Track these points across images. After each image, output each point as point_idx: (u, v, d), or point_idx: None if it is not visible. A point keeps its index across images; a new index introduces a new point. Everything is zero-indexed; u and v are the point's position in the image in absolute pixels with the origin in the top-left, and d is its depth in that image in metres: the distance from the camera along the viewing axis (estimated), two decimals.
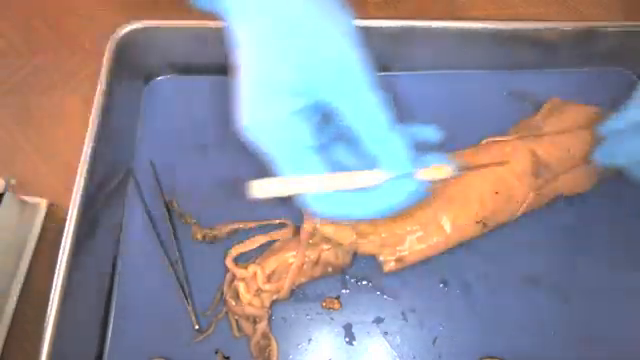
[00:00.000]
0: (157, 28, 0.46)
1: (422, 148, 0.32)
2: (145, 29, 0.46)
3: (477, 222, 0.39)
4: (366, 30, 0.47)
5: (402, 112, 0.48)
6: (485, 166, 0.39)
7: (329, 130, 0.33)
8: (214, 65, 0.49)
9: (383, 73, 0.50)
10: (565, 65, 0.51)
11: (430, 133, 0.33)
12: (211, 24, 0.46)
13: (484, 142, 0.43)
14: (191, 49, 0.48)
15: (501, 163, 0.39)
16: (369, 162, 0.30)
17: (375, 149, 0.29)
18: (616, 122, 0.38)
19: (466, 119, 0.48)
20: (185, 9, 0.52)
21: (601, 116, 0.43)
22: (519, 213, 0.40)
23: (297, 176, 0.30)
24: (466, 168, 0.34)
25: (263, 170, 0.45)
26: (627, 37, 0.49)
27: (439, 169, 0.31)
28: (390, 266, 0.39)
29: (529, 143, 0.41)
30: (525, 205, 0.40)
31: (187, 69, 0.50)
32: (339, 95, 0.29)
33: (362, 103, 0.29)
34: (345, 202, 0.29)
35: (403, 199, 0.30)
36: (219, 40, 0.47)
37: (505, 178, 0.40)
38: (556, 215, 0.42)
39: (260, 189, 0.30)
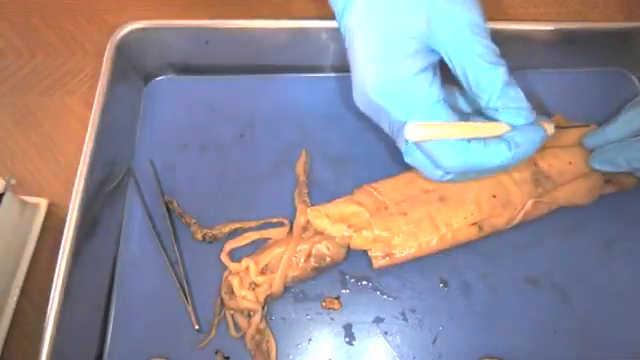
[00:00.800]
0: (157, 28, 0.46)
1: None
2: (145, 29, 0.46)
3: (472, 224, 0.39)
4: None
5: None
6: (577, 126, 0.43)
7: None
8: (214, 65, 0.49)
9: None
10: (565, 65, 0.51)
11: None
12: (211, 24, 0.46)
13: None
14: (191, 49, 0.48)
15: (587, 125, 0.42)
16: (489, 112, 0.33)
17: (497, 103, 0.31)
18: (607, 134, 0.40)
19: (466, 119, 0.48)
20: (185, 9, 0.52)
21: None
22: (516, 221, 0.40)
23: (444, 122, 0.32)
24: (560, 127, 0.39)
25: (263, 170, 0.46)
26: (627, 38, 0.49)
27: (548, 124, 0.34)
28: (380, 262, 0.39)
29: None
30: (523, 212, 0.40)
31: (187, 69, 0.50)
32: (463, 53, 0.31)
33: (484, 61, 0.31)
34: (478, 153, 0.32)
35: (530, 148, 0.32)
36: (219, 40, 0.48)
37: (504, 183, 0.40)
38: (556, 215, 0.42)
39: (415, 132, 0.32)
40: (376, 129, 0.47)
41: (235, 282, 0.38)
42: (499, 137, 0.33)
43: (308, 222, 0.40)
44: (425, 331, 0.40)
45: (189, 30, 0.47)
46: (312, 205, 0.42)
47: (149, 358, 0.38)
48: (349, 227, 0.39)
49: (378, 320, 0.40)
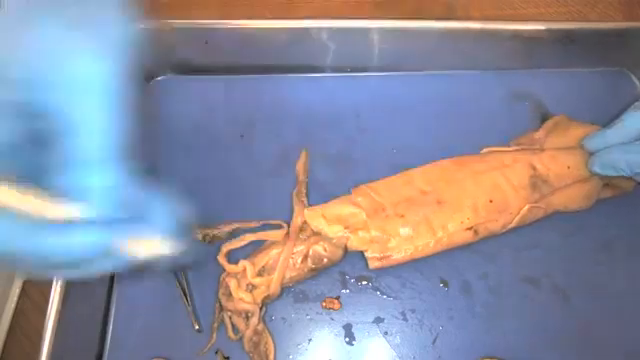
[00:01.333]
0: (158, 28, 0.46)
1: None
2: (146, 29, 0.46)
3: (468, 229, 0.39)
4: (362, 31, 0.47)
5: (401, 113, 0.49)
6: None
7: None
8: (215, 65, 0.49)
9: (383, 73, 0.50)
10: (565, 66, 0.51)
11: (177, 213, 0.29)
12: (212, 24, 0.46)
13: (484, 151, 0.44)
14: (192, 49, 0.48)
15: None
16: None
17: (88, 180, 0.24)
18: (608, 137, 0.39)
19: (466, 119, 0.48)
20: (185, 9, 0.52)
21: None
22: (512, 225, 0.40)
23: None
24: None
25: (263, 170, 0.46)
26: (627, 38, 0.49)
27: (151, 243, 0.27)
28: (375, 264, 0.39)
29: (529, 156, 0.41)
30: (519, 217, 0.40)
31: (187, 69, 0.50)
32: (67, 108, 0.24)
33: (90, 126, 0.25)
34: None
35: (78, 246, 0.24)
36: (220, 40, 0.48)
37: (501, 187, 0.40)
38: (556, 216, 0.42)
39: None
40: (376, 129, 0.47)
41: (232, 284, 0.38)
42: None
43: (305, 223, 0.40)
44: (425, 331, 0.40)
45: (190, 30, 0.47)
46: (309, 206, 0.42)
47: (149, 358, 0.38)
48: (346, 228, 0.39)
49: (378, 320, 0.40)
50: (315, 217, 0.39)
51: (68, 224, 0.24)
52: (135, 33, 0.27)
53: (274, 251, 0.39)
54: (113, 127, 0.26)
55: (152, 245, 0.28)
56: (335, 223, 0.39)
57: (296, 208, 0.41)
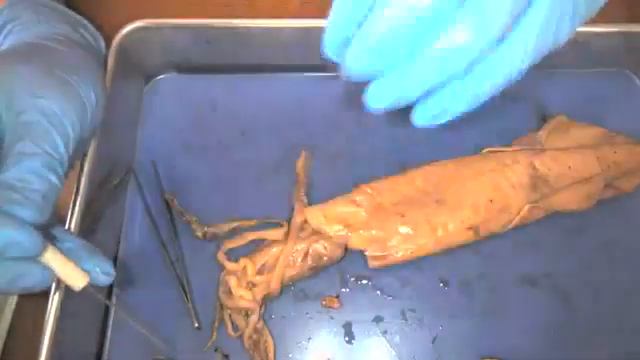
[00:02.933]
0: (158, 27, 0.46)
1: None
2: (146, 28, 0.46)
3: (468, 228, 0.39)
4: None
5: (403, 112, 0.49)
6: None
7: None
8: (215, 64, 0.50)
9: None
10: (565, 66, 0.51)
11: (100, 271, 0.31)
12: (212, 22, 0.47)
13: (484, 151, 0.44)
14: (192, 48, 0.48)
15: None
16: None
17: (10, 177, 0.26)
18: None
19: (467, 119, 0.47)
20: (186, 7, 0.52)
21: (607, 137, 0.44)
22: (512, 225, 0.40)
23: None
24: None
25: (264, 169, 0.46)
26: (628, 38, 0.48)
27: (70, 269, 0.29)
28: (375, 263, 0.39)
29: (529, 156, 0.41)
30: (519, 217, 0.40)
31: (188, 68, 0.50)
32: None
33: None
34: None
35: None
36: (220, 38, 0.48)
37: (502, 187, 0.40)
38: (556, 215, 0.42)
39: None
40: (377, 129, 0.47)
41: (232, 281, 0.38)
42: None
43: (305, 221, 0.40)
44: (425, 330, 0.40)
45: (190, 29, 0.47)
46: (310, 204, 0.42)
47: (149, 357, 0.38)
48: (346, 227, 0.39)
49: (378, 319, 0.40)
50: (315, 216, 0.39)
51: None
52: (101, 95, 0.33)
53: (274, 249, 0.39)
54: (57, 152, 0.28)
55: (71, 271, 0.29)
56: (335, 222, 0.39)
57: (296, 207, 0.41)
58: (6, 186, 0.26)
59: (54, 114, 0.29)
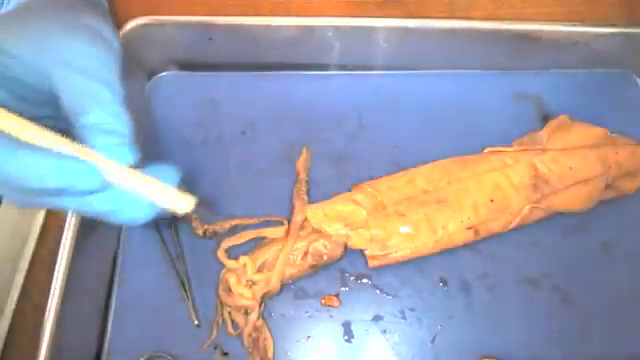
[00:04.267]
0: (161, 24, 0.46)
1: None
2: (149, 25, 0.46)
3: (468, 228, 0.39)
4: (366, 30, 0.47)
5: (403, 112, 0.49)
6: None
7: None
8: (217, 61, 0.50)
9: (383, 72, 0.50)
10: (566, 66, 0.51)
11: (169, 174, 0.31)
12: (214, 20, 0.47)
13: (486, 151, 0.44)
14: (194, 45, 0.48)
15: None
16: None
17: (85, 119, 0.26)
18: None
19: (468, 119, 0.48)
20: (188, 5, 0.52)
21: (608, 137, 0.44)
22: (512, 225, 0.40)
23: None
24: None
25: (265, 167, 0.46)
26: (629, 39, 0.48)
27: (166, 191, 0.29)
28: (374, 262, 0.39)
29: (530, 156, 0.41)
30: (520, 217, 0.40)
31: (190, 65, 0.50)
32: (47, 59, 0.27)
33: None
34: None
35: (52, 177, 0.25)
36: (222, 36, 0.48)
37: (502, 187, 0.40)
38: (556, 215, 0.42)
39: None
40: (378, 127, 0.47)
41: (232, 279, 0.38)
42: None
43: (305, 220, 0.40)
44: (424, 330, 0.40)
45: (193, 26, 0.47)
46: (310, 203, 0.42)
47: (148, 353, 0.38)
48: (346, 226, 0.39)
49: (377, 318, 0.40)
50: (316, 214, 0.39)
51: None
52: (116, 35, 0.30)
53: (274, 247, 0.39)
54: (112, 95, 0.27)
55: (162, 191, 0.29)
56: (335, 221, 0.39)
57: (296, 205, 0.41)
58: (98, 131, 0.27)
59: (98, 70, 0.28)
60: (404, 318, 0.40)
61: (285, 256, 0.39)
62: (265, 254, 0.39)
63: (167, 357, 0.38)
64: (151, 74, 0.50)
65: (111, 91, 0.28)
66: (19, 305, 0.42)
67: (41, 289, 0.42)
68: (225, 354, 0.39)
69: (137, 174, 0.28)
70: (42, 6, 0.29)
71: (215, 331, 0.39)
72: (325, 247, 0.39)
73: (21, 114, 0.26)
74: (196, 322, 0.39)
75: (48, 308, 0.36)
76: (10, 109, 0.26)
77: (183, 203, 0.29)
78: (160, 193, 0.28)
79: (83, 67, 0.27)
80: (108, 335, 0.40)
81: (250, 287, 0.38)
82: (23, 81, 0.28)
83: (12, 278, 0.42)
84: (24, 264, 0.43)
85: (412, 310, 0.40)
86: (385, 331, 0.39)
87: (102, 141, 0.26)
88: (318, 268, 0.40)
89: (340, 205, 0.40)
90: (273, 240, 0.40)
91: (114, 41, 0.30)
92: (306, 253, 0.39)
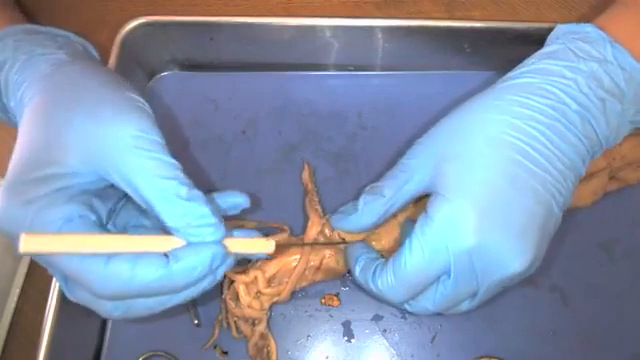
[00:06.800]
0: (162, 24, 0.47)
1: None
2: (149, 24, 0.46)
3: None
4: (366, 30, 0.47)
5: (403, 112, 0.49)
6: (325, 244, 0.38)
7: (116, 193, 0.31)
8: (218, 61, 0.50)
9: (386, 72, 0.50)
10: None
11: (238, 199, 0.33)
12: (215, 20, 0.47)
13: None
14: (195, 45, 0.48)
15: (343, 242, 0.38)
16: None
17: (173, 222, 0.27)
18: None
19: None
20: (189, 4, 0.52)
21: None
22: None
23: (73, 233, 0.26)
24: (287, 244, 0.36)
25: (265, 167, 0.46)
26: None
27: (254, 242, 0.30)
28: None
29: None
30: None
31: (191, 65, 0.50)
32: (126, 167, 0.27)
33: (154, 175, 0.28)
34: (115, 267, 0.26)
35: (198, 264, 0.27)
36: (224, 36, 0.48)
37: None
38: None
39: (31, 243, 0.25)
40: (378, 128, 0.48)
41: (241, 290, 0.37)
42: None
43: (320, 233, 0.38)
44: (424, 329, 0.40)
45: (193, 26, 0.47)
46: (324, 214, 0.40)
47: (148, 353, 0.38)
48: (364, 238, 0.38)
49: (377, 318, 0.40)
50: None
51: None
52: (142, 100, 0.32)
53: (286, 260, 0.38)
54: (166, 167, 0.29)
55: (252, 244, 0.30)
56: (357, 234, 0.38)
57: (311, 218, 0.39)
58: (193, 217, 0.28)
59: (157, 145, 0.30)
60: (404, 318, 0.40)
61: (299, 272, 0.37)
62: (276, 267, 0.37)
63: (167, 357, 0.38)
64: (151, 74, 0.50)
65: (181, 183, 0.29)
66: (19, 305, 0.42)
67: (41, 289, 0.42)
68: (225, 353, 0.39)
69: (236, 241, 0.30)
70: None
71: (217, 332, 0.39)
72: (338, 263, 0.38)
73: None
74: (196, 322, 0.39)
75: (48, 308, 0.36)
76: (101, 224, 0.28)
77: (268, 249, 0.31)
78: (251, 248, 0.31)
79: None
80: (108, 335, 0.40)
81: (258, 298, 0.37)
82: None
83: (12, 278, 0.42)
84: (23, 265, 0.43)
85: None
86: (385, 331, 0.40)
87: (197, 236, 0.28)
88: (326, 280, 0.39)
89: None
90: (284, 251, 0.38)
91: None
92: (318, 269, 0.38)
